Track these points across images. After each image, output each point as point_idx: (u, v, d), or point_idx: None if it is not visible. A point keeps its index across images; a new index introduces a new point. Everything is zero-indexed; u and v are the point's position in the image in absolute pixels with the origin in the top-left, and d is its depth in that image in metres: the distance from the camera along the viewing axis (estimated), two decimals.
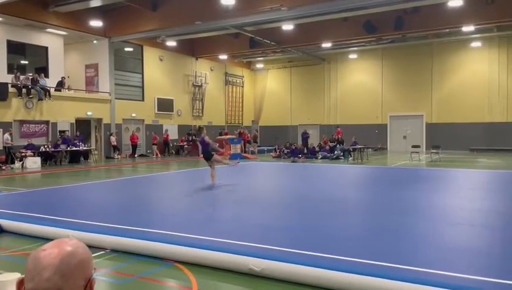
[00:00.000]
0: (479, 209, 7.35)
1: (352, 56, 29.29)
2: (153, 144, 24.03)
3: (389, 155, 24.21)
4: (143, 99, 24.39)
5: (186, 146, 25.53)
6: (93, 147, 21.35)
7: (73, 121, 20.54)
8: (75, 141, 19.48)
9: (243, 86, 32.55)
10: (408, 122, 28.11)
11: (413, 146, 20.83)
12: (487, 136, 25.50)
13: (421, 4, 18.10)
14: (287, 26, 21.82)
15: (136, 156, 23.05)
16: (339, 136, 24.58)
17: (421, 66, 27.35)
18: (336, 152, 21.92)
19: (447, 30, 22.50)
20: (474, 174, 13.58)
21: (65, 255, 1.06)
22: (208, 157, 10.62)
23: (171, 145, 25.50)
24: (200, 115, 28.36)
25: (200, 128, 11.47)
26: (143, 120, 24.41)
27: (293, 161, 20.11)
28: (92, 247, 5.18)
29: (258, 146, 27.79)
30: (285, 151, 22.84)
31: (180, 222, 6.49)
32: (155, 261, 4.73)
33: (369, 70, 29.24)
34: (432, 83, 27.24)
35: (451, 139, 25.64)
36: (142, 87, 24.42)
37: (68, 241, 1.12)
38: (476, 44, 25.52)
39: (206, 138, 10.64)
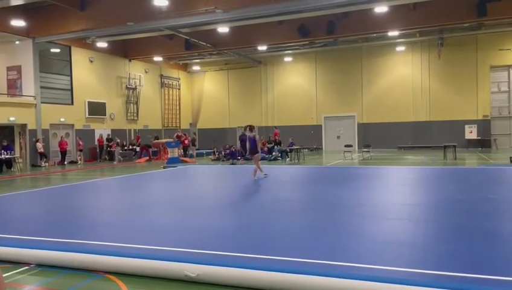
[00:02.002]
0: (406, 204, 7.79)
1: (287, 59, 29.97)
2: (79, 150, 22.69)
3: (324, 155, 25.02)
4: (72, 103, 23.16)
5: (121, 151, 24.61)
6: (17, 154, 19.89)
7: None
8: None
9: (179, 89, 32.06)
10: (341, 122, 29.27)
11: (346, 145, 21.71)
12: (412, 134, 27.28)
13: (351, 10, 18.93)
14: (223, 29, 21.82)
15: (65, 163, 21.83)
16: (276, 137, 25.00)
17: (352, 69, 28.63)
18: (273, 153, 22.27)
19: (375, 35, 23.82)
20: (401, 171, 14.41)
21: None
22: (253, 152, 12.39)
23: (106, 150, 24.47)
24: (135, 118, 27.52)
25: (251, 127, 12.52)
26: (73, 125, 23.19)
27: (232, 163, 20.13)
28: (15, 262, 4.80)
29: (197, 149, 27.50)
30: (224, 153, 22.79)
31: (111, 231, 6.20)
32: (84, 274, 4.48)
33: (304, 73, 30.07)
34: (362, 85, 28.59)
35: (380, 138, 27.10)
36: (71, 90, 23.19)
37: None
38: (400, 48, 27.22)
39: (257, 137, 12.36)
